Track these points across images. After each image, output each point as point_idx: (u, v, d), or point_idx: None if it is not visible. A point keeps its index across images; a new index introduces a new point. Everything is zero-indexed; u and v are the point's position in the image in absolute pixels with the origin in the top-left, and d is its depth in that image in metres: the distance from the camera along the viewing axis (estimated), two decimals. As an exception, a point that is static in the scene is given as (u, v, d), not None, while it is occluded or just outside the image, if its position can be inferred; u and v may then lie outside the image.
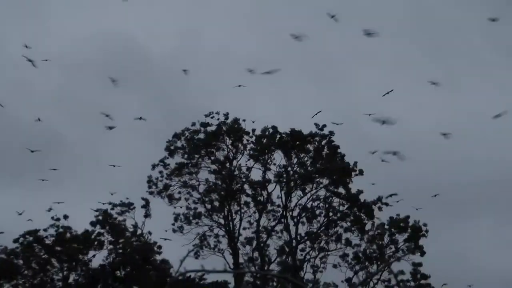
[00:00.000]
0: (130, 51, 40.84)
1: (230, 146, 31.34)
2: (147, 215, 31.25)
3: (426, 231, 30.46)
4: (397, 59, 48.15)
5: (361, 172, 30.99)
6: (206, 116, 31.23)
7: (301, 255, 30.62)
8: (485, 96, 44.85)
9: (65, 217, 31.19)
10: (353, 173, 30.90)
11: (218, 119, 31.28)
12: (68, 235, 31.05)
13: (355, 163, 30.97)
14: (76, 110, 42.16)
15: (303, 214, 30.91)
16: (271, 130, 31.44)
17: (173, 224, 30.55)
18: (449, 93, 45.97)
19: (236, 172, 31.43)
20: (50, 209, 30.52)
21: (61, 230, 30.90)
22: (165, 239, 28.87)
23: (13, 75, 39.92)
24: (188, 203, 30.87)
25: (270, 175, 31.34)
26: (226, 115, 31.33)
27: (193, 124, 31.22)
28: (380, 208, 30.96)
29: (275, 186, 31.17)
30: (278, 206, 31.02)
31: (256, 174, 31.53)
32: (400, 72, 46.36)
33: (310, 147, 31.36)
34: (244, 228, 30.78)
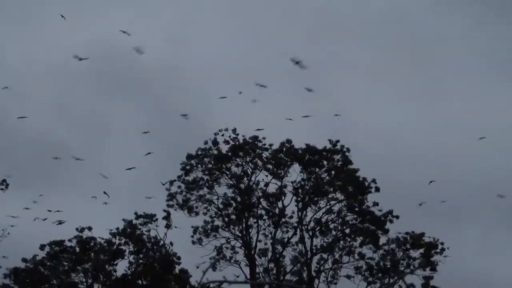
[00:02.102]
0: (122, 59, 41.25)
1: (246, 162, 32.49)
2: (168, 226, 32.60)
3: (442, 249, 31.28)
4: (377, 69, 47.40)
5: (377, 190, 31.96)
6: (215, 134, 32.44)
7: (316, 267, 31.75)
8: (468, 104, 44.46)
9: (89, 228, 32.79)
10: (369, 190, 31.93)
11: (229, 136, 32.48)
12: (91, 244, 32.69)
13: (373, 180, 31.93)
14: (76, 119, 42.49)
15: (318, 228, 31.99)
16: (288, 145, 32.62)
17: (192, 236, 31.86)
18: (432, 103, 45.64)
19: (253, 187, 32.55)
20: (60, 222, 30.87)
21: (85, 239, 32.55)
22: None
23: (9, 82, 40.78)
24: (206, 217, 32.19)
25: (286, 189, 32.51)
26: (234, 131, 32.41)
27: (206, 142, 32.47)
28: (391, 221, 31.93)
29: (291, 200, 32.34)
30: (292, 218, 32.14)
31: (272, 188, 32.69)
32: (382, 82, 45.68)
33: (325, 162, 32.42)
34: (260, 241, 32.00)
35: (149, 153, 25.93)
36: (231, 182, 32.63)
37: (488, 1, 50.23)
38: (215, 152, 32.64)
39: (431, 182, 27.40)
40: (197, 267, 30.82)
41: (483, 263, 34.56)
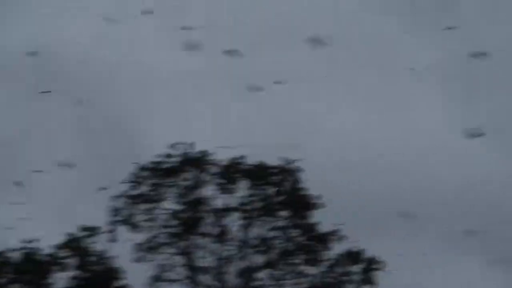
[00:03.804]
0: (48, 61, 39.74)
1: (194, 177, 32.49)
2: (112, 240, 32.39)
3: (384, 265, 31.88)
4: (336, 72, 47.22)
5: (322, 206, 32.35)
6: (170, 147, 32.33)
7: (259, 284, 32.04)
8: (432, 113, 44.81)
9: (34, 240, 32.31)
10: (314, 207, 32.32)
11: (183, 149, 32.40)
12: (35, 257, 32.26)
13: (318, 196, 32.28)
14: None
15: (262, 244, 32.27)
16: (238, 161, 32.77)
17: (136, 253, 31.72)
18: (396, 112, 45.75)
19: (200, 201, 32.58)
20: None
21: (29, 251, 32.13)
22: None
23: None
24: (151, 232, 32.06)
25: (233, 204, 32.63)
26: (191, 145, 32.42)
27: (158, 155, 32.33)
28: (337, 240, 32.43)
29: (238, 216, 32.47)
30: (238, 235, 32.33)
31: (220, 203, 32.75)
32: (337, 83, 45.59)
33: (274, 179, 32.69)
34: (204, 257, 32.07)
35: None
36: (178, 197, 32.64)
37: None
38: (167, 165, 32.67)
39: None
40: (142, 284, 30.94)
41: (423, 277, 35.30)
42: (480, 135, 25.39)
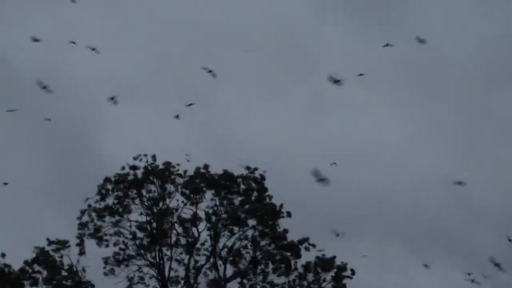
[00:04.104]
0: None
1: (160, 188, 32.25)
2: (81, 253, 32.34)
3: (353, 273, 31.47)
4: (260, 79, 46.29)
5: (289, 214, 31.99)
6: (134, 158, 32.24)
7: (229, 294, 31.83)
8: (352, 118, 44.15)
9: (3, 255, 32.38)
10: (280, 215, 31.94)
11: (146, 161, 32.26)
12: (5, 272, 32.32)
13: (282, 205, 31.95)
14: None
15: (231, 254, 31.99)
16: (203, 171, 32.45)
17: (104, 267, 31.65)
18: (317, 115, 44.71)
19: (167, 212, 32.35)
20: None
21: None
22: None
23: None
24: (118, 245, 31.91)
25: (200, 214, 32.39)
26: (154, 157, 32.26)
27: (123, 168, 32.16)
28: (307, 249, 32.06)
29: (205, 226, 32.20)
30: (207, 245, 32.07)
31: (187, 214, 32.54)
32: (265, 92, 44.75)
33: (240, 188, 32.33)
34: (172, 268, 31.87)
35: None
36: (145, 208, 32.45)
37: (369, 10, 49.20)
38: (132, 177, 32.51)
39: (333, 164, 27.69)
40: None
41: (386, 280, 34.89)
42: None
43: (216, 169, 32.00)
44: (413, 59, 46.43)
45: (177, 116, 25.14)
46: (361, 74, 24.92)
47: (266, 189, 32.13)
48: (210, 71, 25.36)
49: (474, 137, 43.61)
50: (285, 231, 31.82)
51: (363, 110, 45.47)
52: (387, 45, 23.65)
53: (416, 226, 35.85)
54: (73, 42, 25.49)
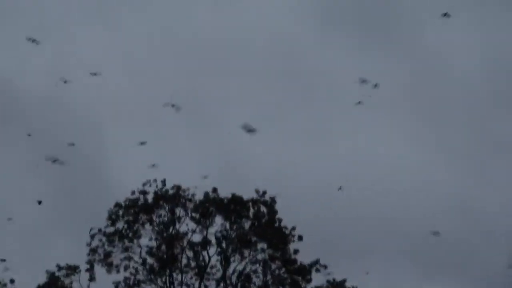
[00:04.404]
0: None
1: (170, 212, 32.28)
2: (91, 279, 32.28)
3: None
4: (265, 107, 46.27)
5: (300, 238, 31.96)
6: (144, 184, 32.34)
7: (240, 319, 31.67)
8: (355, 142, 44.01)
9: (12, 281, 32.39)
10: (291, 239, 31.92)
11: (156, 186, 32.35)
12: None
13: (293, 228, 31.91)
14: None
15: (242, 278, 31.89)
16: (213, 195, 32.48)
17: (116, 292, 31.62)
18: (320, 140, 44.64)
19: (177, 236, 32.33)
20: None
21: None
22: None
23: None
24: (129, 270, 31.85)
25: (210, 238, 32.34)
26: (164, 182, 32.36)
27: (133, 192, 32.24)
28: (317, 270, 31.97)
29: (216, 250, 32.17)
30: (216, 269, 32.01)
31: (197, 238, 32.53)
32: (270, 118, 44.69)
33: (250, 212, 32.34)
34: (184, 293, 31.84)
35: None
36: (155, 232, 32.43)
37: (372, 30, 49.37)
38: (142, 201, 32.59)
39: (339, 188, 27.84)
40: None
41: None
42: None
43: (224, 192, 32.10)
44: (420, 79, 47.14)
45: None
46: (359, 103, 25.20)
47: (276, 212, 32.12)
48: (173, 106, 25.87)
49: (483, 159, 43.69)
50: (296, 251, 31.78)
51: (369, 132, 45.62)
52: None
53: (427, 248, 35.75)
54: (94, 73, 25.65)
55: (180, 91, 43.75)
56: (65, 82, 26.19)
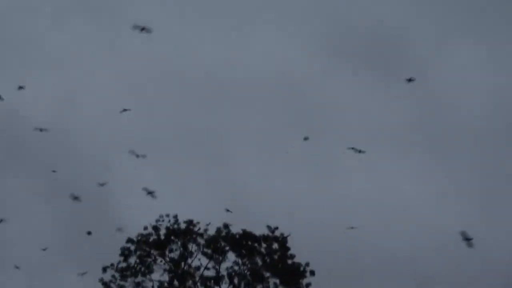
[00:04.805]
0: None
1: (182, 247, 32.39)
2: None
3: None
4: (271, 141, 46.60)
5: (312, 273, 32.01)
6: (157, 221, 32.56)
7: None
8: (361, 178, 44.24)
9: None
10: (304, 274, 31.97)
11: (169, 221, 32.55)
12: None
13: (307, 263, 31.99)
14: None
15: (254, 315, 31.87)
16: (224, 230, 32.62)
17: (131, 327, 31.59)
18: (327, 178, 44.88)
19: (189, 271, 32.36)
20: None
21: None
22: None
23: None
24: (142, 305, 31.91)
25: (223, 274, 32.35)
26: (176, 217, 32.55)
27: (145, 228, 32.41)
28: (329, 305, 31.97)
29: (228, 286, 32.15)
30: (230, 305, 31.99)
31: (210, 273, 32.53)
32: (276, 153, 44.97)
33: (262, 248, 32.44)
34: (196, 329, 31.73)
35: None
36: (168, 267, 32.49)
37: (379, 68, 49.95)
38: (155, 237, 32.76)
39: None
40: None
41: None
42: None
43: (235, 226, 32.28)
44: (426, 114, 47.52)
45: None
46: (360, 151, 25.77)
47: (288, 249, 32.23)
48: (137, 155, 26.84)
49: (490, 194, 43.80)
50: (308, 285, 31.80)
51: (375, 169, 45.86)
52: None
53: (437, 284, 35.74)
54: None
55: (187, 125, 44.74)
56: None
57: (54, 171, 26.82)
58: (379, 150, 45.43)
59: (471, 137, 45.65)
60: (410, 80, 24.31)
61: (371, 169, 45.50)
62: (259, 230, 32.86)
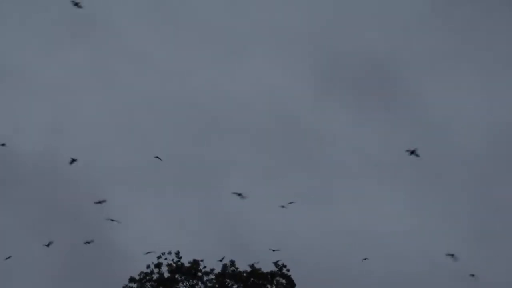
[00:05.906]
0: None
1: (188, 286, 31.59)
2: None
3: None
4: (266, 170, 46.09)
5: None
6: (158, 258, 31.76)
7: None
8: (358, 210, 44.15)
9: None
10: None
11: (172, 259, 31.74)
12: None
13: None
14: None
15: None
16: (231, 267, 31.92)
17: None
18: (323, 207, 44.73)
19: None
20: None
21: None
22: None
23: None
24: None
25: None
26: (178, 254, 31.82)
27: (148, 266, 31.53)
28: None
29: (236, 324, 31.40)
30: None
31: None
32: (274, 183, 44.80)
33: (269, 285, 31.83)
34: None
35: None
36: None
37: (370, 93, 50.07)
38: (157, 275, 31.85)
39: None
40: None
41: None
42: None
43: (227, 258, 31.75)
44: (420, 144, 47.40)
45: None
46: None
47: (295, 285, 31.62)
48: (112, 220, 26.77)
49: (483, 224, 43.81)
50: None
51: (371, 198, 45.66)
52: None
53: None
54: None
55: (180, 154, 43.99)
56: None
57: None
58: (373, 180, 45.57)
59: (465, 167, 45.84)
60: (412, 152, 23.94)
61: (362, 197, 45.48)
62: (251, 260, 32.34)
